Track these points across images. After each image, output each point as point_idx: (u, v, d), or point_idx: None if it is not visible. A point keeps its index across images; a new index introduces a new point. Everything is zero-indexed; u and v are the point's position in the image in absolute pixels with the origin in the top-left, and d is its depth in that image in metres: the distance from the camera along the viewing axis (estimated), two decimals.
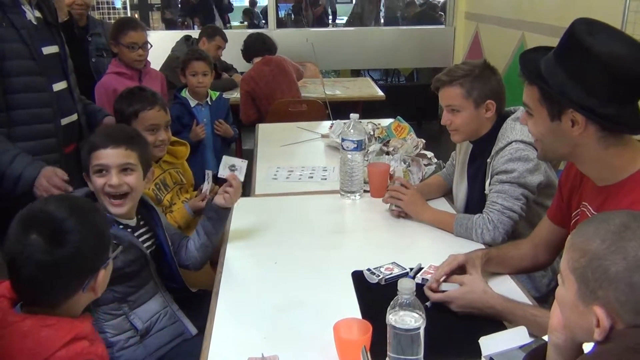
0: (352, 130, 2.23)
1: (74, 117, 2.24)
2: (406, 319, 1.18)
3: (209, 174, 2.28)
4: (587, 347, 1.00)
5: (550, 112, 1.34)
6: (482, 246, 1.87)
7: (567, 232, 1.60)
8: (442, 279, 1.56)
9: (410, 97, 6.30)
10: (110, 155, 1.64)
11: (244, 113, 4.12)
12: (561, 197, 1.62)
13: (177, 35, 4.81)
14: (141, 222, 1.80)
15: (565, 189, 1.59)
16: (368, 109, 4.45)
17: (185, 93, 3.33)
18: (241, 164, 1.94)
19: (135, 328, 1.67)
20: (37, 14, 2.11)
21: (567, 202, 1.58)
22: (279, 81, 4.10)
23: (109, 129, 1.79)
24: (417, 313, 1.18)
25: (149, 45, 3.03)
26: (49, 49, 2.13)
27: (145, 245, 1.77)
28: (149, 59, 3.13)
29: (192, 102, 3.34)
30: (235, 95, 4.48)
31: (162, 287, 1.79)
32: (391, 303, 1.20)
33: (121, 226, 1.70)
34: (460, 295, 1.48)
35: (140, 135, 1.81)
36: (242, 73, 5.09)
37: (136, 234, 1.75)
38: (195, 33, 4.84)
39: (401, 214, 2.11)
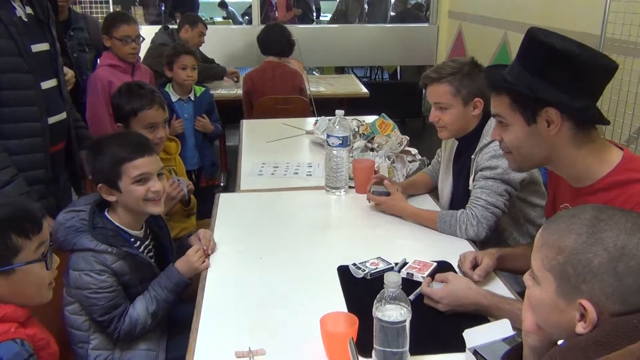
0: (337, 127, 2.24)
1: (63, 115, 2.21)
2: (392, 312, 1.19)
3: (181, 181, 2.30)
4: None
5: (524, 115, 1.37)
6: (467, 242, 1.90)
7: None
8: (428, 278, 1.58)
9: (393, 95, 6.32)
10: (148, 164, 1.70)
11: (245, 111, 4.10)
12: (549, 198, 1.66)
13: None
14: (147, 231, 1.82)
15: (550, 189, 1.64)
16: (352, 105, 4.46)
17: (169, 88, 3.33)
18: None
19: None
20: (29, 10, 2.07)
21: (553, 202, 1.62)
22: (275, 92, 4.04)
23: (128, 139, 1.75)
24: (403, 306, 1.20)
25: (141, 39, 3.08)
26: (39, 47, 2.09)
27: (149, 255, 1.80)
28: None
29: (174, 97, 3.34)
30: (219, 91, 4.47)
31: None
32: (377, 296, 1.21)
33: (132, 239, 1.72)
34: (446, 294, 1.48)
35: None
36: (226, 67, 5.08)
37: (144, 245, 1.78)
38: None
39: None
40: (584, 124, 1.35)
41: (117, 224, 1.71)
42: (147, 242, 1.81)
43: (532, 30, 1.36)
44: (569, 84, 1.31)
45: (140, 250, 1.75)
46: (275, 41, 4.07)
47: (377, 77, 8.67)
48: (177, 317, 1.83)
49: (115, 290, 1.63)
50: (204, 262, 1.75)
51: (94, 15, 4.67)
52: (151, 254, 1.82)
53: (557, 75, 1.32)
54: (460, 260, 1.71)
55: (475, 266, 1.66)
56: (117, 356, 1.69)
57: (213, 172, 3.65)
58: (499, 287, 1.62)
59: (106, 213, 1.72)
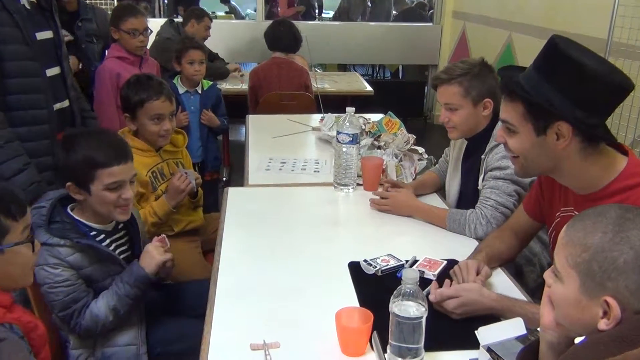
0: (347, 124, 2.25)
1: (66, 103, 2.22)
2: (409, 308, 1.20)
3: (189, 173, 2.29)
4: (579, 340, 1.02)
5: (535, 126, 1.37)
6: (475, 241, 1.91)
7: (541, 226, 1.67)
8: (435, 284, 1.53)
9: (395, 93, 6.33)
10: (124, 171, 1.67)
11: (250, 106, 4.11)
12: (541, 194, 1.65)
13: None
14: (119, 226, 1.79)
15: (546, 187, 1.63)
16: (354, 103, 4.46)
17: (177, 80, 3.33)
18: None
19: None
20: None
21: (549, 201, 1.62)
22: (281, 88, 4.03)
23: (105, 143, 1.68)
24: (420, 303, 1.21)
25: (149, 31, 3.09)
26: (43, 34, 2.10)
27: (121, 249, 1.78)
28: None
29: (181, 90, 3.35)
30: (224, 85, 4.47)
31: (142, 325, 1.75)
32: (394, 292, 1.23)
33: (94, 232, 1.70)
34: (458, 305, 1.44)
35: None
36: (227, 63, 5.09)
37: (112, 239, 1.75)
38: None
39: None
40: (593, 139, 1.35)
41: (77, 217, 1.68)
42: (117, 236, 1.77)
43: (556, 41, 1.34)
44: (589, 102, 1.31)
45: (106, 243, 1.71)
46: (282, 37, 4.06)
47: (378, 75, 8.67)
48: (152, 308, 1.82)
49: (74, 284, 1.59)
50: (162, 254, 1.71)
51: (102, 7, 4.65)
52: (123, 248, 1.79)
53: (579, 93, 1.31)
54: (461, 269, 1.59)
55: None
56: (99, 354, 1.69)
57: (216, 166, 3.66)
58: (507, 287, 1.64)
59: (69, 209, 1.69)
